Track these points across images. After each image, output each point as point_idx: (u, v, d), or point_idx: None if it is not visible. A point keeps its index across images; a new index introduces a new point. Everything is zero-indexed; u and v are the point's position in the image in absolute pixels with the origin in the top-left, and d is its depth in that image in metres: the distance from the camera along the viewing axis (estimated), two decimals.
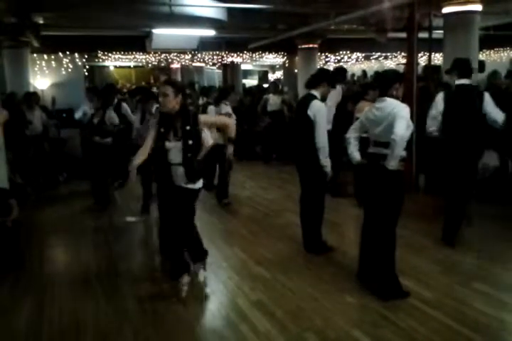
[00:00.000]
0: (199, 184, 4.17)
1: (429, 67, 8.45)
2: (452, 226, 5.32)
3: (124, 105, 8.44)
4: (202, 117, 4.15)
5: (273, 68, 25.33)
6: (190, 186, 4.08)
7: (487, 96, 5.19)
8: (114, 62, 18.27)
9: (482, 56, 14.30)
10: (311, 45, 13.63)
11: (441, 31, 7.94)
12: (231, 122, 4.38)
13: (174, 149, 3.99)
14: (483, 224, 5.96)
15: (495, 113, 5.10)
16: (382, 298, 4.03)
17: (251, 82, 24.21)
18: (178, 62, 18.02)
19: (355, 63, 19.54)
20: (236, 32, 13.06)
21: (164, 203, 4.29)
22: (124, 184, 8.60)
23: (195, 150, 4.01)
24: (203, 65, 19.01)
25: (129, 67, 20.12)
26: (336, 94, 7.09)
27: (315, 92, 5.01)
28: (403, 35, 8.23)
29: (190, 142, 3.96)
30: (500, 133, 5.33)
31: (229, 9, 10.57)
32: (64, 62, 13.41)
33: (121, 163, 8.12)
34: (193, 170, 4.02)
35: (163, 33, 11.56)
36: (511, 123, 5.16)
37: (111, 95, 7.94)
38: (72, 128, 10.03)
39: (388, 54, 17.50)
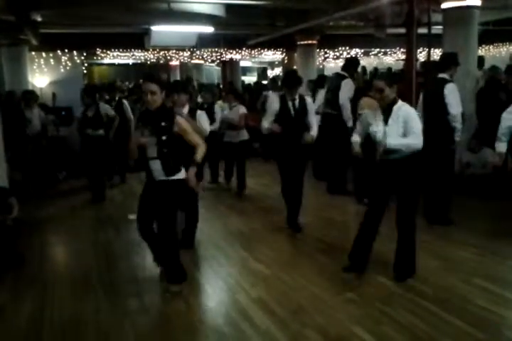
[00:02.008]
0: (180, 175, 4.09)
1: (428, 63, 8.43)
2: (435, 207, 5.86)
3: (125, 102, 8.84)
4: (181, 121, 4.05)
5: (272, 65, 25.27)
6: (170, 177, 4.05)
7: (448, 87, 5.55)
8: (112, 60, 18.22)
9: (481, 51, 14.27)
10: (310, 42, 13.58)
11: (441, 27, 7.92)
12: (203, 144, 4.13)
13: (149, 144, 4.00)
14: (485, 221, 5.96)
15: (452, 104, 5.52)
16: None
17: (250, 78, 24.16)
18: (177, 59, 17.99)
19: None
20: (235, 29, 13.00)
21: (144, 199, 4.24)
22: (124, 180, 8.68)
23: (170, 146, 4.00)
24: (201, 62, 18.98)
25: (128, 64, 20.04)
26: (346, 90, 7.13)
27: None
28: (402, 30, 8.21)
29: (164, 138, 3.96)
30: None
31: (227, 6, 10.53)
32: (63, 60, 13.38)
33: (119, 159, 8.25)
34: (169, 164, 4.03)
35: (161, 30, 11.53)
36: None
37: (101, 92, 8.60)
38: (71, 126, 10.00)
39: (387, 50, 17.46)
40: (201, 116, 5.37)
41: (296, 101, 5.59)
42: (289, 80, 5.60)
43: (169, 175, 4.04)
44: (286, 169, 5.75)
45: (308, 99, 5.87)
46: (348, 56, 17.31)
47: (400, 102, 4.24)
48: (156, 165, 4.03)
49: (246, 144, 7.95)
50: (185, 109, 5.13)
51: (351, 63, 7.55)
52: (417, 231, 5.47)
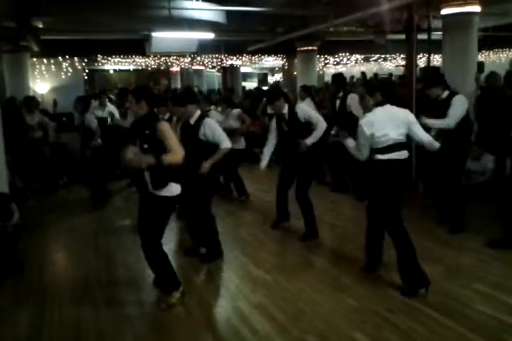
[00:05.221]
0: (169, 191, 3.99)
1: (428, 69, 8.46)
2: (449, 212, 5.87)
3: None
4: (165, 128, 3.92)
5: (272, 71, 25.37)
6: (158, 193, 3.96)
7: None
8: (113, 66, 18.29)
9: (481, 57, 14.32)
10: (310, 48, 13.66)
11: (440, 32, 7.94)
12: (179, 153, 3.88)
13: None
14: (484, 226, 5.96)
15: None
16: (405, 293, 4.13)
17: (250, 84, 24.24)
18: (178, 65, 18.08)
19: (355, 65, 19.58)
20: (235, 35, 13.08)
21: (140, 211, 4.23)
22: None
23: (154, 155, 3.84)
24: (202, 67, 19.06)
25: (129, 70, 20.11)
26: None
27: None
28: (402, 36, 8.24)
29: (146, 146, 3.87)
30: (497, 136, 5.38)
31: (228, 12, 10.60)
32: (64, 66, 13.46)
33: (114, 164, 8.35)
34: (155, 176, 3.91)
35: (162, 37, 11.59)
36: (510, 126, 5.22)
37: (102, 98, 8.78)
38: (72, 132, 10.02)
39: (387, 56, 17.53)
40: (211, 126, 4.96)
41: (286, 115, 5.68)
42: (268, 96, 5.88)
43: (155, 188, 3.94)
44: (284, 176, 5.97)
45: (300, 108, 5.77)
46: (349, 62, 17.43)
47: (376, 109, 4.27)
48: (147, 177, 3.96)
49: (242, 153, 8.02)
50: (193, 119, 4.96)
51: (337, 79, 7.75)
52: (417, 236, 5.50)
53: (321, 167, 8.70)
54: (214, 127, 4.98)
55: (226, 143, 4.98)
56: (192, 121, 4.98)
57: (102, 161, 7.71)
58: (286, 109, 5.69)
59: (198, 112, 5.04)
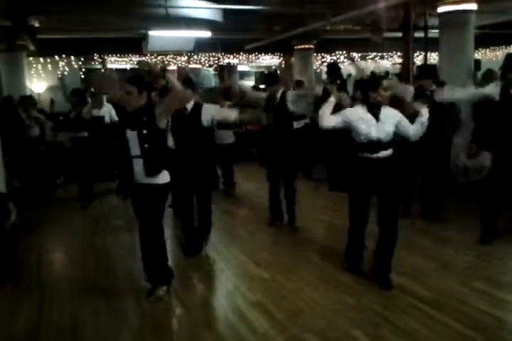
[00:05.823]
0: (162, 179, 4.04)
1: (424, 67, 8.46)
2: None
3: None
4: (161, 108, 4.01)
5: (269, 69, 25.31)
6: (152, 181, 3.99)
7: None
8: (110, 65, 18.24)
9: (478, 55, 14.32)
10: (307, 46, 13.66)
11: (437, 30, 7.96)
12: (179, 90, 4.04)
13: (132, 141, 3.96)
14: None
15: None
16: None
17: (248, 83, 24.19)
18: (175, 64, 18.02)
19: (352, 63, 19.56)
20: (232, 33, 13.05)
21: (133, 203, 4.25)
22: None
23: (152, 142, 3.93)
24: (199, 66, 19.01)
25: (126, 69, 20.02)
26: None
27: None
28: (399, 34, 8.25)
29: (145, 131, 3.90)
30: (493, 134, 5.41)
31: (225, 10, 10.57)
32: (60, 65, 13.40)
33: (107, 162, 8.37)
34: (151, 162, 3.95)
35: (159, 35, 11.56)
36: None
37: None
38: (69, 132, 9.98)
39: (384, 54, 17.53)
40: (209, 108, 5.20)
41: (277, 99, 5.77)
42: (267, 78, 6.06)
43: (150, 175, 3.96)
44: (272, 167, 6.00)
45: (291, 92, 5.93)
46: (346, 60, 17.39)
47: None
48: (139, 165, 3.97)
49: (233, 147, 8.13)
50: (190, 104, 4.98)
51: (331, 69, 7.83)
52: (415, 234, 5.52)
53: (312, 163, 8.76)
54: (211, 108, 5.15)
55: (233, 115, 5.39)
56: (188, 109, 4.98)
57: (89, 158, 7.70)
58: (279, 94, 5.79)
59: (192, 102, 4.97)
